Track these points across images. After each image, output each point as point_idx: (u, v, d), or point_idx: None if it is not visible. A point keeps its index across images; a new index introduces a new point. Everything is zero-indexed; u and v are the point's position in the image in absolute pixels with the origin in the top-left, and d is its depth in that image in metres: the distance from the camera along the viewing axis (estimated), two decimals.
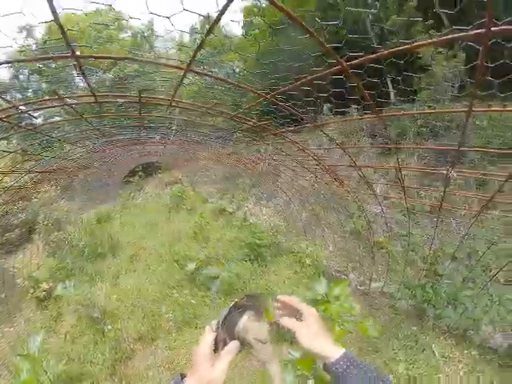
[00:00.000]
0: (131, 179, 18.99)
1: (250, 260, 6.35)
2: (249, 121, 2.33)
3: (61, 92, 1.59)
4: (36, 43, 18.88)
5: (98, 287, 6.30)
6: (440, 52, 8.84)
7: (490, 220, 4.92)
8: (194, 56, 1.09)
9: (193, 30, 23.24)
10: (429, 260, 4.40)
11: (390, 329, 4.06)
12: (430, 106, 8.68)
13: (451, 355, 3.61)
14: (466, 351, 3.62)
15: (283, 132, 2.61)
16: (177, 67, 1.21)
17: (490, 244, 4.35)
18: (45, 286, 6.04)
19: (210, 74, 1.29)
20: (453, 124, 8.58)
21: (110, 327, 4.76)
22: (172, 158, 9.04)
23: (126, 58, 1.19)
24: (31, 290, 5.99)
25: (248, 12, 18.06)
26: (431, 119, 8.95)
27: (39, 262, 7.11)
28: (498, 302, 3.71)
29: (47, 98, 1.71)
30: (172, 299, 5.44)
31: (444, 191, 2.22)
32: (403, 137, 9.47)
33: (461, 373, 3.39)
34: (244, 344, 0.87)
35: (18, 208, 6.95)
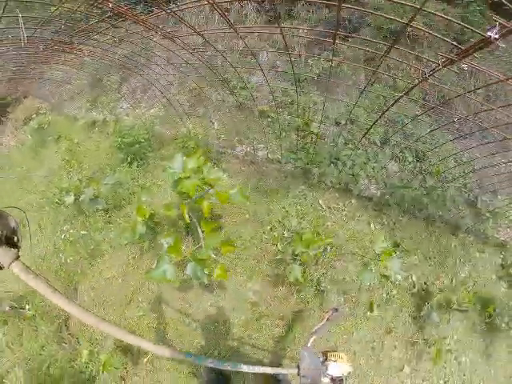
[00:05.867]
0: None
1: (128, 163, 5.52)
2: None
3: None
4: None
5: None
6: None
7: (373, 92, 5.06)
8: None
9: None
10: (305, 121, 4.51)
11: (280, 191, 4.24)
12: None
13: (335, 206, 4.09)
14: (347, 201, 4.12)
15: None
16: None
17: (370, 111, 4.66)
18: None
19: None
20: None
21: None
22: (15, 82, 6.68)
23: None
24: None
25: None
26: None
27: None
28: (374, 160, 4.21)
29: None
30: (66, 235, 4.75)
31: (331, 60, 1.98)
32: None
33: (344, 218, 3.98)
34: None
35: None
